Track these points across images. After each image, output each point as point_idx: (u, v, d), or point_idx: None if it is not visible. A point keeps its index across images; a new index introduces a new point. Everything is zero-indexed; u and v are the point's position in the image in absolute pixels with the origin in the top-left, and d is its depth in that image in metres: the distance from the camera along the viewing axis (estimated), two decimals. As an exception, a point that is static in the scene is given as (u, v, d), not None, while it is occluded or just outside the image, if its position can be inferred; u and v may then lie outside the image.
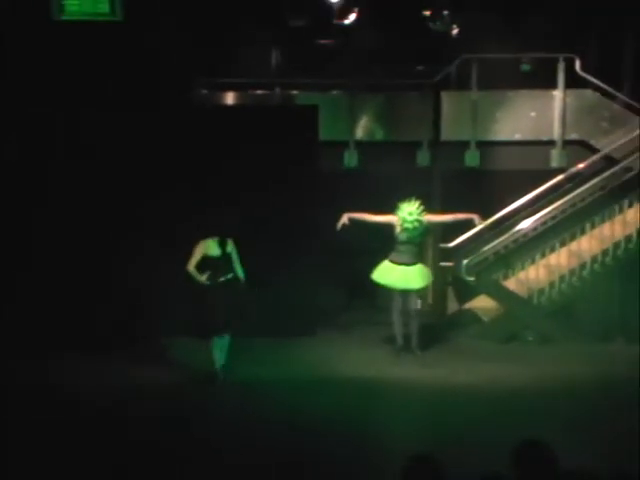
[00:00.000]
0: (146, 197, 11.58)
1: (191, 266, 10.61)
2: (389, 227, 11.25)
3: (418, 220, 11.07)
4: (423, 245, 11.60)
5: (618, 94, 12.91)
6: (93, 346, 11.23)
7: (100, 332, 11.43)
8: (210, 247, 10.67)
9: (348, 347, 11.69)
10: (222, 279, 10.63)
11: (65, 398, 9.78)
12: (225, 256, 10.67)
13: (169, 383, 10.40)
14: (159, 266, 11.50)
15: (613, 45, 13.08)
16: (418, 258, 11.26)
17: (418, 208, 11.08)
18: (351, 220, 11.19)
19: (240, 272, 10.71)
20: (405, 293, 11.17)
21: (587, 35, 13.33)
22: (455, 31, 12.88)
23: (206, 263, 10.68)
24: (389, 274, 11.21)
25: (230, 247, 10.70)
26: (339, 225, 11.16)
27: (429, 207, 11.51)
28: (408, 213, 11.07)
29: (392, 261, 11.23)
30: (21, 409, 9.35)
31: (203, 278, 10.62)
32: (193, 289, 10.69)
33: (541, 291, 12.13)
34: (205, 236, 10.65)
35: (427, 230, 11.39)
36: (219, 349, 10.68)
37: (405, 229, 11.10)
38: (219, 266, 10.67)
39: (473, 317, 12.55)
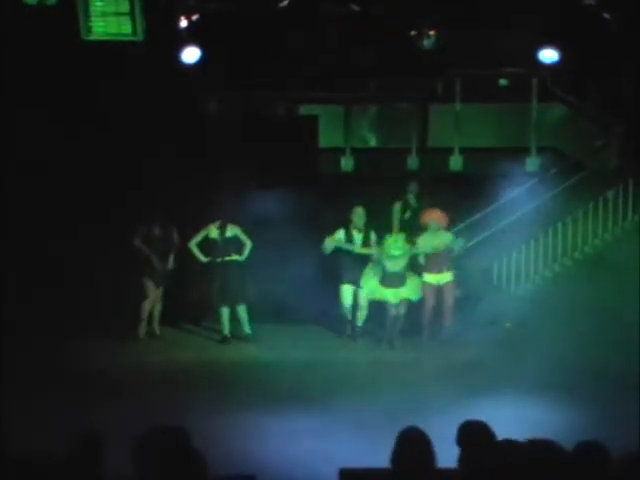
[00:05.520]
0: (160, 192, 12.38)
1: (191, 243, 12.04)
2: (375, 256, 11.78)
3: (403, 248, 11.61)
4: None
5: (586, 106, 13.64)
6: (109, 330, 12.00)
7: (116, 316, 12.20)
8: (211, 231, 12.05)
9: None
10: (219, 260, 11.95)
11: (83, 375, 10.40)
12: (224, 240, 11.98)
13: (176, 365, 11.18)
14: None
15: (581, 60, 13.27)
16: (406, 274, 11.76)
17: (404, 240, 11.68)
18: (337, 248, 11.84)
19: (241, 255, 11.98)
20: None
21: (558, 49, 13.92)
22: (442, 49, 13.55)
23: (209, 245, 12.06)
24: (380, 293, 11.80)
25: (231, 232, 12.01)
26: (326, 248, 11.79)
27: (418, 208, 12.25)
28: (395, 247, 11.60)
29: (382, 284, 11.78)
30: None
31: (201, 256, 11.99)
32: (199, 267, 12.10)
33: (517, 281, 12.85)
34: (211, 221, 12.06)
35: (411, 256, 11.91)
36: (239, 318, 12.04)
37: (392, 256, 11.62)
38: (217, 248, 12.01)
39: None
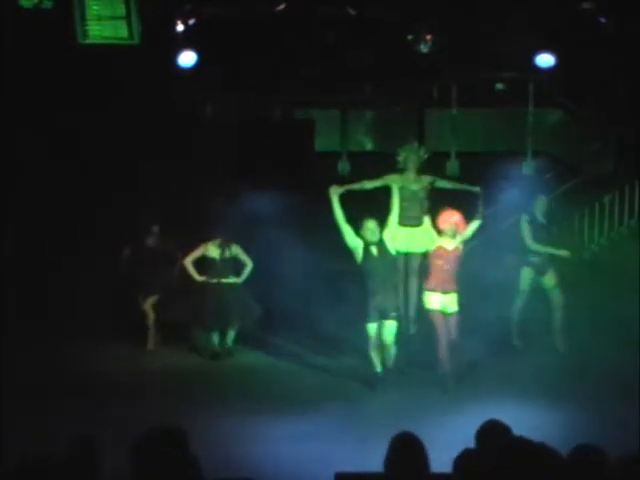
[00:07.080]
0: (156, 195, 12.59)
1: (187, 260, 11.55)
2: (388, 188, 10.83)
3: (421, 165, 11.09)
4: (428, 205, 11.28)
5: (582, 111, 13.80)
6: (109, 332, 12.18)
7: (116, 318, 12.34)
8: (209, 249, 11.60)
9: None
10: (215, 281, 11.52)
11: (83, 377, 10.54)
12: (223, 260, 11.52)
13: (174, 369, 11.31)
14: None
15: (578, 64, 13.17)
16: (423, 217, 11.06)
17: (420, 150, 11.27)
18: (347, 191, 10.58)
19: (240, 276, 11.56)
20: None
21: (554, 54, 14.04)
22: (438, 53, 13.63)
23: (207, 263, 11.66)
24: (394, 237, 10.55)
25: (231, 252, 11.58)
26: (334, 200, 10.33)
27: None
28: (410, 151, 11.16)
29: (399, 223, 10.68)
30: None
31: (195, 274, 11.54)
32: (192, 284, 11.73)
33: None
34: (209, 238, 11.65)
35: (431, 188, 11.30)
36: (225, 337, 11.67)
37: (407, 183, 11.05)
38: (215, 268, 11.56)
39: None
